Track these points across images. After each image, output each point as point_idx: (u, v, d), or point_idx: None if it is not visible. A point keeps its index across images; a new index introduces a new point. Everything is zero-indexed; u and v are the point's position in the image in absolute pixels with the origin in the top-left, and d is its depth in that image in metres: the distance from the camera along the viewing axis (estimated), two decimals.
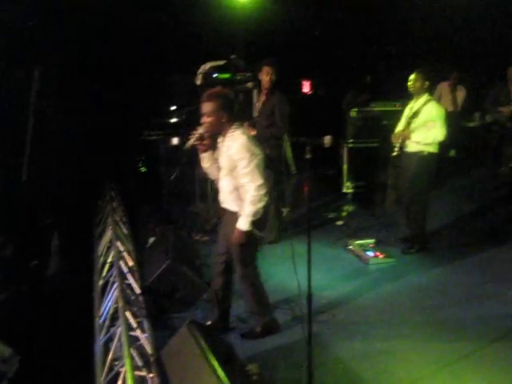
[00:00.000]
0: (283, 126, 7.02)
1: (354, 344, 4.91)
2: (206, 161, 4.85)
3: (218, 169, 4.81)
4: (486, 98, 9.02)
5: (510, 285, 6.10)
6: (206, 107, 4.60)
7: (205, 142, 4.70)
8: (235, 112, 4.70)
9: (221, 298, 5.05)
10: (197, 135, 4.66)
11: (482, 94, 9.44)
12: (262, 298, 5.02)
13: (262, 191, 4.59)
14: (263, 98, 7.15)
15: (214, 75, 7.62)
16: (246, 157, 4.54)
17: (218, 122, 4.60)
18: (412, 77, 6.72)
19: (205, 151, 4.77)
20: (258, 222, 4.69)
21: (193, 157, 5.82)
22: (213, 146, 4.79)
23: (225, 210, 4.91)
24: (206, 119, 4.62)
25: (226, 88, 4.79)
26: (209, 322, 5.11)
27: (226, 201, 4.82)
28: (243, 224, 4.63)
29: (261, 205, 4.61)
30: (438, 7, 10.38)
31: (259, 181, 4.57)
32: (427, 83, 6.67)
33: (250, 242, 4.73)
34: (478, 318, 5.34)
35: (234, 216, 4.74)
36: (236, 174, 4.64)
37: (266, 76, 7.01)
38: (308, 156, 3.93)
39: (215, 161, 4.83)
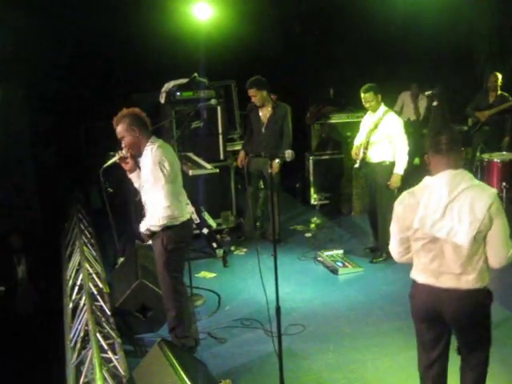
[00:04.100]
0: (289, 136, 7.35)
1: (325, 355, 4.96)
2: (134, 181, 4.90)
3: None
4: (469, 104, 9.42)
5: None
6: (119, 130, 4.64)
7: (128, 162, 4.75)
8: (148, 126, 4.71)
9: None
10: (118, 156, 4.72)
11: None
12: (183, 318, 4.86)
13: (166, 213, 4.57)
14: (268, 111, 7.36)
15: (178, 93, 7.65)
16: (154, 173, 4.54)
17: (133, 139, 4.63)
18: (364, 96, 6.75)
19: (130, 171, 4.82)
20: (180, 234, 4.74)
21: None
22: (137, 166, 4.82)
23: None
24: (123, 142, 4.66)
25: (133, 108, 4.80)
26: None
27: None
28: (144, 226, 4.68)
29: (161, 223, 4.60)
30: (401, 17, 10.57)
31: (165, 202, 4.55)
32: (379, 96, 6.77)
33: (173, 253, 4.74)
34: None
35: (159, 231, 4.73)
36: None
37: (253, 98, 7.29)
38: (270, 171, 3.97)
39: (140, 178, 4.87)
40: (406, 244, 3.47)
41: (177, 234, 4.72)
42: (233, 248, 7.59)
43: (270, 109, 7.38)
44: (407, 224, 3.34)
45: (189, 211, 4.96)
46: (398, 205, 3.41)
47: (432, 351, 3.53)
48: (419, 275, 3.48)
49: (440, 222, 3.23)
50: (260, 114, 7.43)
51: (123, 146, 4.68)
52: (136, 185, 4.92)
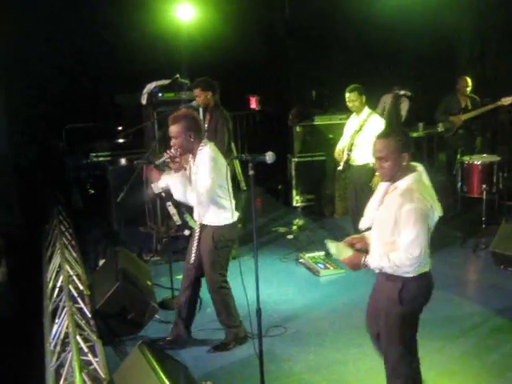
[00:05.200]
0: (221, 142, 7.06)
1: (307, 356, 4.97)
2: (177, 182, 4.78)
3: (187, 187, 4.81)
4: (437, 108, 9.26)
5: (458, 289, 6.27)
6: (173, 129, 4.70)
7: (176, 161, 4.76)
8: (202, 130, 4.87)
9: (185, 312, 5.09)
10: (168, 156, 4.73)
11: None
12: (231, 309, 5.12)
13: (231, 206, 4.85)
14: (208, 116, 7.18)
15: (159, 95, 7.63)
16: (215, 169, 4.68)
17: (186, 142, 4.71)
18: (349, 96, 6.81)
19: (177, 170, 4.80)
20: (231, 233, 4.94)
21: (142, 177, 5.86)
22: (183, 166, 4.85)
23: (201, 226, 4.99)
24: (174, 141, 4.72)
25: (190, 109, 4.87)
26: (169, 338, 5.16)
27: (202, 216, 4.92)
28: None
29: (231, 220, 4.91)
30: (384, 21, 10.60)
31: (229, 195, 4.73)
32: (363, 97, 6.82)
33: (221, 251, 4.91)
34: (429, 323, 5.43)
35: (209, 230, 4.89)
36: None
37: (197, 98, 6.97)
38: (251, 173, 3.95)
39: (187, 179, 4.81)
40: None
41: (229, 233, 4.91)
42: None
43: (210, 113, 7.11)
44: (435, 219, 3.63)
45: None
46: (426, 206, 3.53)
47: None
48: (426, 266, 3.65)
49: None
50: (205, 119, 7.16)
51: (172, 145, 4.72)
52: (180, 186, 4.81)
